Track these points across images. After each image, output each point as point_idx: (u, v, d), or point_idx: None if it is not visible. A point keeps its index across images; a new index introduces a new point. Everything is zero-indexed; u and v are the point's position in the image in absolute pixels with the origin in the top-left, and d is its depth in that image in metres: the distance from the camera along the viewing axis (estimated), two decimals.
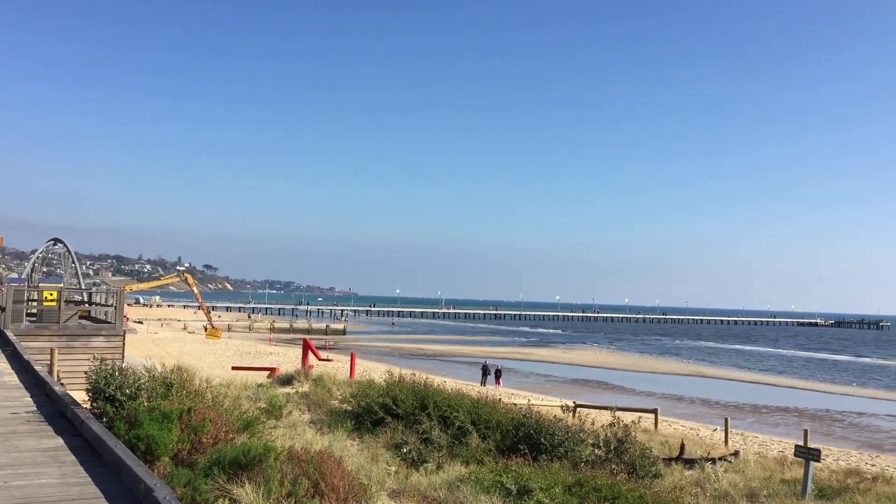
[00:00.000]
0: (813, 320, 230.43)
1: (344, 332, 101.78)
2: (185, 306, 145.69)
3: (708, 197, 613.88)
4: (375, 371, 31.41)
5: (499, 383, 44.31)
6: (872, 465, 22.72)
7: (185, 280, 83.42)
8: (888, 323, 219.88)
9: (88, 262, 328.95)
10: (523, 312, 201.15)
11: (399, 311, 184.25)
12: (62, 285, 30.85)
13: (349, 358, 33.20)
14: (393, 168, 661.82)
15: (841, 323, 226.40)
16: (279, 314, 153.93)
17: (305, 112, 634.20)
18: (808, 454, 13.78)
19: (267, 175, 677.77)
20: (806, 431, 21.21)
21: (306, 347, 31.27)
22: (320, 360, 33.55)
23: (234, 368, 34.26)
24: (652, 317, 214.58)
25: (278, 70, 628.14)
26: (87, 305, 29.54)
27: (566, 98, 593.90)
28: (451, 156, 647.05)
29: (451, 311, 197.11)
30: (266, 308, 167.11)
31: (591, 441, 14.12)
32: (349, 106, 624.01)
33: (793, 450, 15.70)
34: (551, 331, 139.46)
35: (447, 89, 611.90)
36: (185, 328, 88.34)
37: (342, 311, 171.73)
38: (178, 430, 8.53)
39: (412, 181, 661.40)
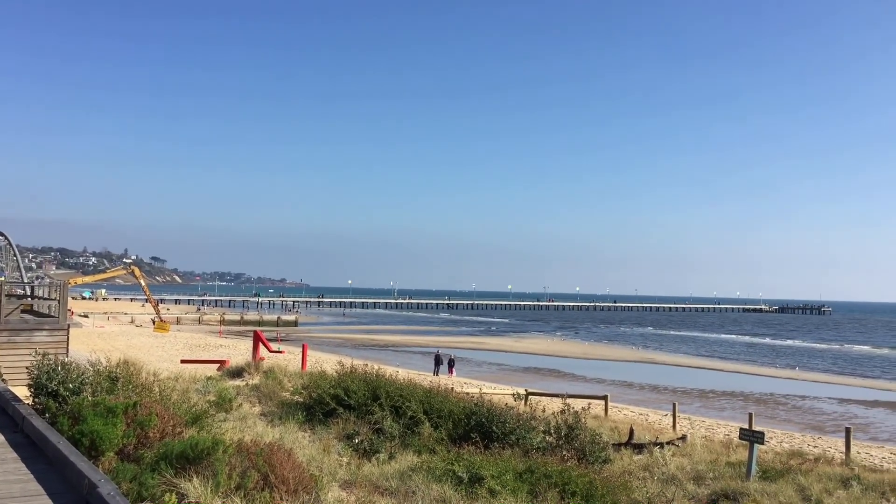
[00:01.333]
0: (758, 306, 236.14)
1: (296, 323, 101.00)
2: (132, 299, 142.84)
3: (652, 186, 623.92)
4: (328, 362, 31.21)
5: (452, 372, 44.45)
6: (815, 447, 23.34)
7: (132, 272, 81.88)
8: (830, 309, 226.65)
9: (31, 256, 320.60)
10: (476, 302, 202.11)
11: (351, 302, 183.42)
12: (3, 279, 30.02)
13: (301, 349, 32.98)
14: (344, 159, 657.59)
15: (785, 309, 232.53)
16: (230, 306, 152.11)
17: (256, 101, 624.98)
18: (752, 437, 14.09)
19: (215, 166, 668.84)
20: (751, 415, 21.80)
21: (257, 339, 30.96)
22: (271, 351, 33.25)
23: (183, 362, 33.78)
24: (603, 305, 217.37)
25: (221, 55, 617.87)
26: (29, 299, 28.78)
27: (504, 81, 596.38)
28: (406, 146, 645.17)
29: (404, 301, 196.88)
30: (216, 300, 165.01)
31: (542, 428, 14.26)
32: (299, 93, 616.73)
33: (738, 433, 16.05)
34: (504, 320, 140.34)
35: (383, 76, 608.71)
36: (132, 322, 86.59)
37: (294, 302, 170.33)
38: (123, 424, 8.38)
39: (364, 172, 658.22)
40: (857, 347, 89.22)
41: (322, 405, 15.27)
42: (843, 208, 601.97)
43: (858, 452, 22.36)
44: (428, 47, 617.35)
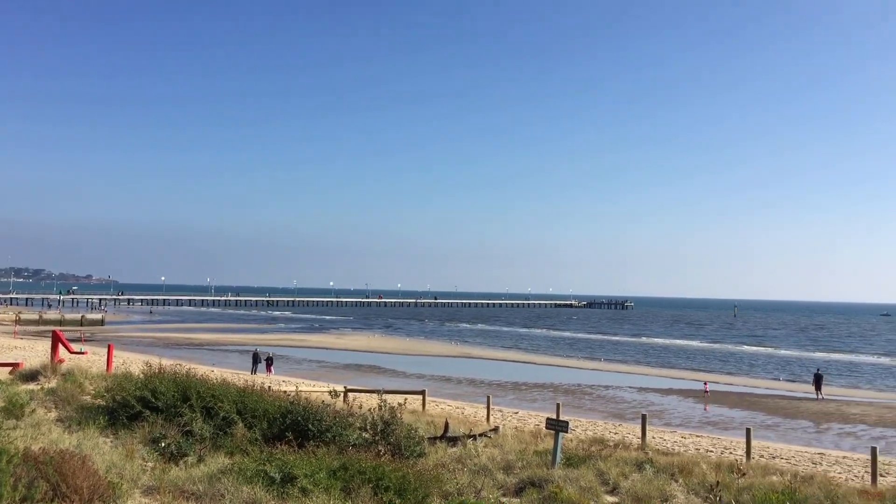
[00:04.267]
0: (568, 302, 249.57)
1: (102, 322, 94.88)
2: None
3: (464, 184, 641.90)
4: (136, 363, 29.52)
5: (270, 371, 43.55)
6: (615, 434, 24.93)
7: None
8: (632, 304, 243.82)
9: None
10: (297, 299, 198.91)
11: (164, 300, 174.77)
12: None
13: (106, 350, 31.06)
14: (158, 150, 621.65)
15: (593, 304, 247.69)
16: (27, 304, 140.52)
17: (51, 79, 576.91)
18: (557, 426, 14.83)
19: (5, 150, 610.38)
20: (558, 405, 22.96)
21: (56, 339, 28.80)
22: (72, 352, 31.04)
23: None
24: (424, 301, 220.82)
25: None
26: None
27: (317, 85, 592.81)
28: (222, 138, 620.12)
29: (222, 298, 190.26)
30: (11, 298, 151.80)
31: (358, 425, 14.25)
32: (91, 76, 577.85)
33: (545, 423, 16.83)
34: (326, 317, 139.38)
35: (203, 62, 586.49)
36: None
37: (101, 300, 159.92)
38: None
39: (179, 165, 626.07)
40: (655, 340, 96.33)
41: (127, 408, 14.42)
42: (629, 208, 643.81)
43: (653, 437, 24.17)
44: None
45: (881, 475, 18.18)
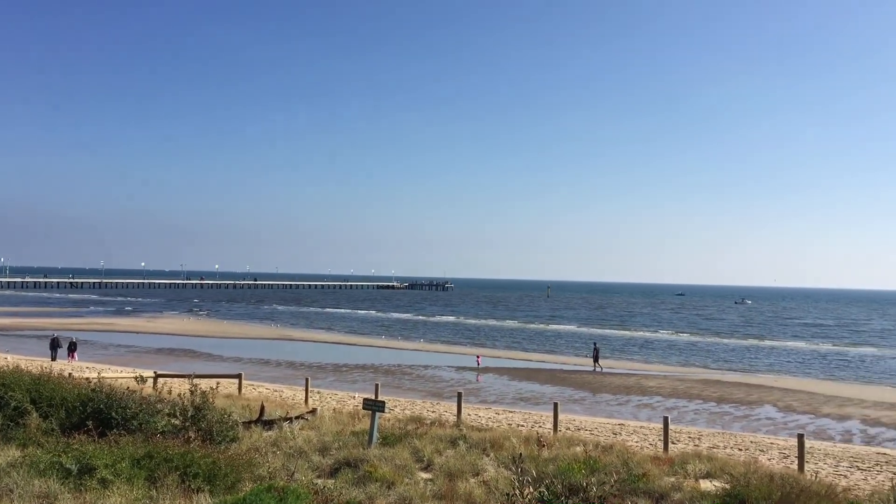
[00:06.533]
0: (390, 283, 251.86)
1: None
2: None
3: (293, 162, 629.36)
4: None
5: (73, 357, 40.78)
6: (433, 412, 25.45)
7: None
8: (452, 284, 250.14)
9: None
10: (106, 280, 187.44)
11: None
12: None
13: None
14: None
15: (414, 285, 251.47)
16: None
17: None
18: (374, 406, 14.96)
19: None
20: (377, 385, 23.16)
21: None
22: None
23: None
24: (244, 283, 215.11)
25: None
26: None
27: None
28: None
29: (20, 279, 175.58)
30: None
31: (167, 411, 13.69)
32: None
33: (362, 403, 16.91)
34: (139, 299, 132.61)
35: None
36: None
37: None
38: None
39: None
40: (472, 320, 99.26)
41: None
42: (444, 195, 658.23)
43: (469, 414, 24.94)
44: None
45: (673, 442, 19.79)
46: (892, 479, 16.93)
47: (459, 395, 21.54)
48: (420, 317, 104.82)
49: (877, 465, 19.68)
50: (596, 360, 47.59)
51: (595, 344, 51.76)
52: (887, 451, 23.09)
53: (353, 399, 28.30)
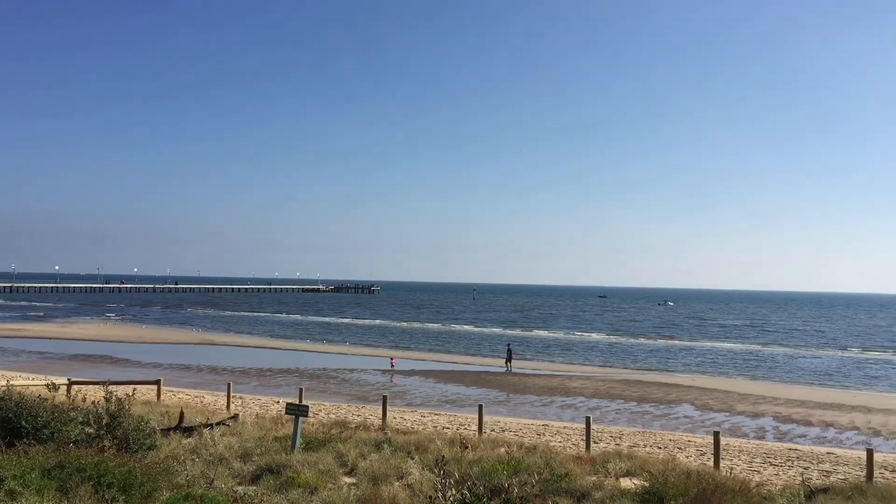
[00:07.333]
0: (316, 286, 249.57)
1: None
2: None
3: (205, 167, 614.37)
4: None
5: None
6: (358, 416, 25.30)
7: None
8: (378, 287, 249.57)
9: None
10: (17, 285, 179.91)
11: None
12: None
13: None
14: None
15: (340, 288, 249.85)
16: None
17: None
18: (297, 411, 14.78)
19: None
20: (301, 390, 22.89)
21: None
22: None
23: None
24: (164, 287, 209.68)
25: None
26: None
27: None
28: None
29: None
30: None
31: (81, 419, 13.23)
32: None
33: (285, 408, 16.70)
34: (51, 304, 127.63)
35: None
36: None
37: None
38: None
39: None
40: (398, 323, 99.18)
41: None
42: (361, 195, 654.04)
43: (395, 418, 24.92)
44: None
45: (595, 442, 20.20)
46: (802, 474, 17.71)
47: (385, 398, 21.50)
48: (346, 320, 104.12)
49: (788, 460, 20.51)
50: (508, 360, 48.38)
51: (509, 345, 52.56)
52: (798, 446, 24.07)
53: (276, 404, 27.90)
